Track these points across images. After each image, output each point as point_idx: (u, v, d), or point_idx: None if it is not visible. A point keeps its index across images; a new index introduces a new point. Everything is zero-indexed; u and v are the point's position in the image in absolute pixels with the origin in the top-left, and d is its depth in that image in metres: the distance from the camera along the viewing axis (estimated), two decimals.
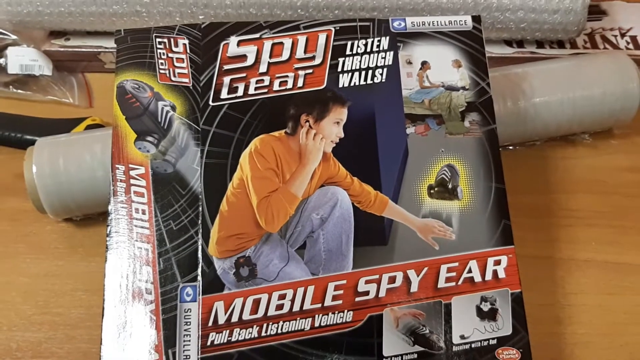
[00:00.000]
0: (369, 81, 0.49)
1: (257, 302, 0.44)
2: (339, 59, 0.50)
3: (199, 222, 0.46)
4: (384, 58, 0.50)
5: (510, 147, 0.62)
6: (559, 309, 0.53)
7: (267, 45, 0.50)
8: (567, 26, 0.64)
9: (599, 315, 0.53)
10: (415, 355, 0.44)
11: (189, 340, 0.43)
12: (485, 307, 0.45)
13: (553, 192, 0.60)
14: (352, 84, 0.49)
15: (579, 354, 0.51)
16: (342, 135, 0.48)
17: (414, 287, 0.45)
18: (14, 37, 0.67)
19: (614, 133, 0.64)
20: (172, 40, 0.50)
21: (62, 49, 0.68)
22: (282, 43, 0.50)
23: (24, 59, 0.66)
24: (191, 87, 0.49)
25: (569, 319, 0.52)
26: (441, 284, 0.45)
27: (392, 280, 0.45)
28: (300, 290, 0.44)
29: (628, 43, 0.69)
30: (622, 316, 0.53)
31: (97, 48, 0.67)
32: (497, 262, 0.46)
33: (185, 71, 0.49)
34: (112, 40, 0.50)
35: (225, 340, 0.43)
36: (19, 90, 0.67)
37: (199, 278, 0.45)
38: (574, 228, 0.58)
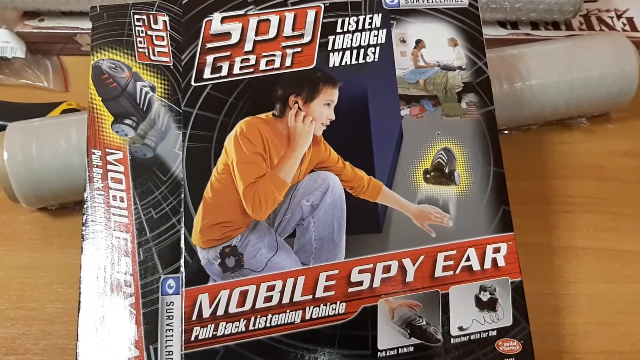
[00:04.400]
0: (360, 60, 0.48)
1: (244, 294, 0.43)
2: (329, 37, 0.48)
3: (182, 209, 0.44)
4: (377, 36, 0.49)
5: (506, 132, 0.61)
6: (558, 298, 0.52)
7: (253, 22, 0.48)
8: (564, 6, 0.63)
9: (598, 304, 0.52)
10: (412, 349, 0.43)
11: (172, 335, 0.42)
12: (485, 296, 0.44)
13: (549, 177, 0.59)
14: (343, 64, 0.48)
15: (578, 344, 0.50)
16: (333, 117, 0.47)
17: (410, 277, 0.44)
18: None
19: (611, 117, 0.64)
20: (151, 17, 0.49)
21: (36, 30, 0.66)
22: (268, 20, 0.48)
23: None
24: (172, 67, 0.47)
25: (567, 309, 0.52)
26: (438, 273, 0.44)
27: (387, 269, 0.44)
28: (290, 281, 0.43)
29: (624, 25, 0.68)
30: (622, 305, 0.52)
31: (73, 29, 0.66)
32: (497, 250, 0.45)
33: (166, 50, 0.48)
34: (88, 20, 0.49)
35: (210, 335, 0.42)
36: None
37: (182, 269, 0.43)
38: (571, 215, 0.57)
